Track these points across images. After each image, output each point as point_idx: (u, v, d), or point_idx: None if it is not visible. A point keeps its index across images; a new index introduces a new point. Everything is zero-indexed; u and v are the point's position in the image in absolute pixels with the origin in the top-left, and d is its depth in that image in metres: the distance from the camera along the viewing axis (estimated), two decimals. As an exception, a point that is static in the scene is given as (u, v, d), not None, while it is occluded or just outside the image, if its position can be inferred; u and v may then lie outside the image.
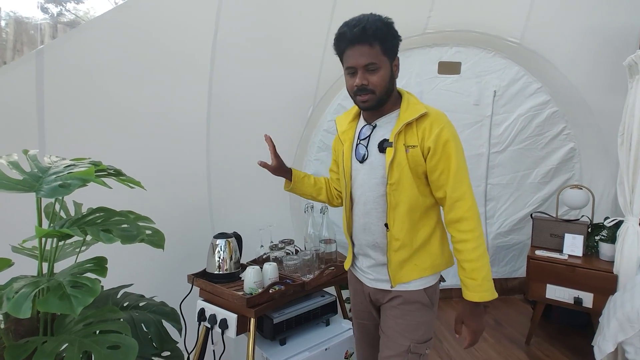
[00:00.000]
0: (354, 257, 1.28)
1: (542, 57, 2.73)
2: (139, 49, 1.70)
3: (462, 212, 1.10)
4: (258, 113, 2.22)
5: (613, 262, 2.12)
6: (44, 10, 13.91)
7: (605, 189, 2.79)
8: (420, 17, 2.59)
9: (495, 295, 1.12)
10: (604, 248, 2.17)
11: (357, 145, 1.19)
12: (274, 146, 1.39)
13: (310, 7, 2.23)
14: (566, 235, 2.28)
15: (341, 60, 1.14)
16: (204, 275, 1.62)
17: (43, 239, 0.78)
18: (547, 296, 2.23)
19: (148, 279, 1.63)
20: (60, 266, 0.94)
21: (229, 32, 1.95)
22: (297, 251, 1.79)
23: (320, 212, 1.77)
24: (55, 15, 13.71)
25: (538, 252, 2.28)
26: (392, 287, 1.17)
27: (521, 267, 3.05)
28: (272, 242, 1.83)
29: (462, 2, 2.56)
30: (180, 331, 0.94)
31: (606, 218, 2.17)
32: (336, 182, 1.40)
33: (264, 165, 1.39)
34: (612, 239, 2.13)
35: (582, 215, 2.35)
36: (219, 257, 1.61)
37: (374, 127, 1.17)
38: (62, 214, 0.93)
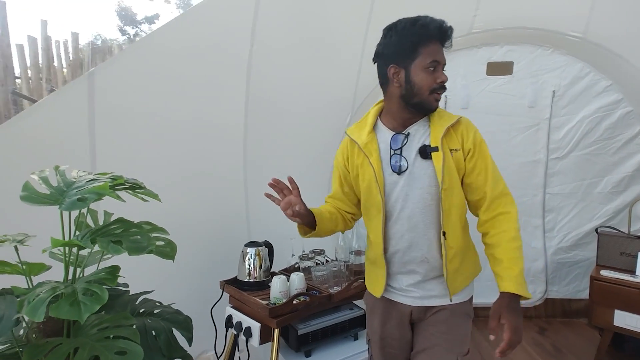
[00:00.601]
0: (388, 278, 1.18)
1: (610, 51, 2.43)
2: (179, 66, 1.81)
3: (507, 207, 1.09)
4: (295, 118, 2.26)
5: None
6: (123, 32, 15.63)
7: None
8: (466, 16, 2.45)
9: (530, 295, 1.08)
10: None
11: (391, 156, 1.11)
12: (298, 189, 1.13)
13: (347, 12, 2.22)
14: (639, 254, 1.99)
15: (403, 53, 1.06)
16: (234, 282, 1.66)
17: (67, 247, 0.86)
18: (615, 323, 1.95)
19: (183, 284, 1.72)
20: (90, 271, 1.02)
21: (266, 37, 2.01)
22: (327, 262, 1.77)
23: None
24: (132, 36, 15.32)
25: (604, 273, 2.01)
26: (450, 300, 1.12)
27: (587, 287, 2.71)
28: (303, 251, 1.84)
29: (511, -2, 2.37)
30: (190, 340, 0.97)
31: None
32: (342, 204, 1.25)
33: (286, 208, 1.09)
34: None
35: (662, 232, 2.03)
36: (249, 265, 1.64)
37: (407, 135, 1.11)
38: (92, 223, 1.01)
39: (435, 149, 1.07)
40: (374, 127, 1.16)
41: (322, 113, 2.40)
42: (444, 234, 1.08)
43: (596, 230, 2.21)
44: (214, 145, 2.03)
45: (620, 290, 1.92)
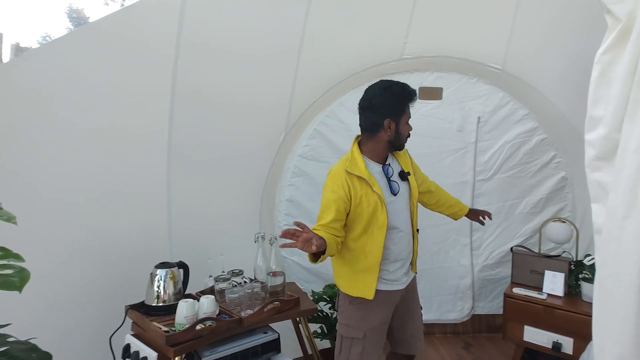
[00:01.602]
0: (384, 275, 1.50)
1: (526, 83, 2.63)
2: (92, 71, 1.71)
3: (439, 188, 1.85)
4: (225, 133, 2.21)
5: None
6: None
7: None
8: (397, 42, 2.56)
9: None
10: (586, 288, 2.00)
11: (390, 182, 1.51)
12: (306, 226, 1.27)
13: (278, 34, 2.23)
14: (546, 272, 2.12)
15: (397, 111, 1.46)
16: (141, 307, 1.57)
17: None
18: (524, 339, 2.06)
19: (82, 310, 1.60)
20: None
21: (190, 57, 1.95)
22: (245, 283, 1.72)
23: (270, 244, 1.71)
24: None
25: (516, 290, 2.13)
26: (415, 272, 1.66)
27: (498, 297, 2.87)
28: (223, 272, 1.78)
29: (438, 29, 2.51)
30: (48, 380, 0.89)
31: (587, 255, 2.00)
32: (334, 231, 1.41)
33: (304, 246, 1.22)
34: (594, 278, 1.96)
35: (564, 251, 2.19)
36: (158, 288, 1.56)
37: (389, 165, 1.54)
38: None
39: (408, 173, 1.54)
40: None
41: (255, 131, 2.38)
42: (417, 230, 1.60)
43: (511, 249, 2.34)
44: (133, 157, 1.93)
45: (528, 307, 2.03)
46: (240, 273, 1.76)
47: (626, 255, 0.55)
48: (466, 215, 1.90)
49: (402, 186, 1.52)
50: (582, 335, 1.89)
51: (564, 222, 2.21)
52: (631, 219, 0.54)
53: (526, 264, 2.23)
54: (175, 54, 1.91)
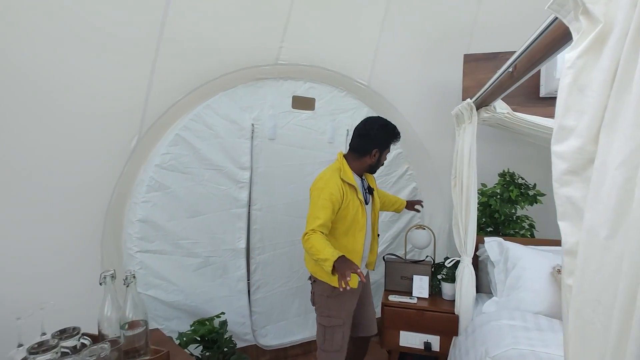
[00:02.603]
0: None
1: (387, 101, 2.85)
2: None
3: (386, 193, 2.33)
4: (60, 136, 1.60)
5: (452, 300, 2.19)
6: None
7: (442, 227, 3.02)
8: (272, 46, 2.40)
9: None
10: (446, 288, 2.23)
11: (366, 193, 1.88)
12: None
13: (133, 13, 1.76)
14: (414, 277, 2.29)
15: (385, 145, 1.85)
16: None
17: None
18: (400, 344, 2.15)
19: None
20: None
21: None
22: (83, 346, 1.21)
23: (124, 284, 1.25)
24: None
25: (392, 298, 2.21)
26: (374, 269, 2.04)
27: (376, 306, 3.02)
28: (43, 334, 1.22)
29: (313, 38, 2.48)
30: None
31: (447, 258, 2.24)
32: (326, 230, 1.67)
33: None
34: (451, 278, 2.21)
35: (427, 256, 2.41)
36: None
37: (364, 180, 1.90)
38: None
39: (373, 189, 1.94)
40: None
41: (98, 134, 1.81)
42: (378, 235, 1.99)
43: (383, 257, 2.44)
44: None
45: (403, 313, 2.13)
46: (74, 333, 1.23)
47: (609, 280, 0.52)
48: (405, 207, 2.29)
49: (369, 198, 1.90)
50: (446, 332, 2.08)
51: (424, 228, 2.44)
52: (616, 239, 0.51)
53: (397, 270, 2.35)
54: None
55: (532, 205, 2.35)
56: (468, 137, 1.96)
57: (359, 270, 1.43)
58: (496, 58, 2.31)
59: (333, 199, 1.64)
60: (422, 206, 2.35)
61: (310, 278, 1.91)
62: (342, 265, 1.43)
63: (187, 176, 2.28)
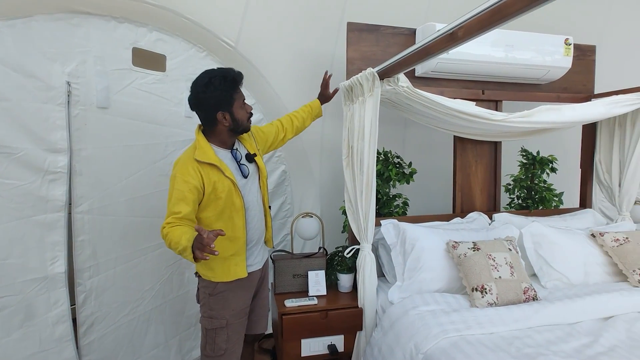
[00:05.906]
0: (248, 257, 1.59)
1: (256, 69, 2.39)
2: None
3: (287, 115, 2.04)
4: None
5: (350, 292, 2.02)
6: None
7: (316, 212, 2.84)
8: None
9: None
10: (343, 280, 2.03)
11: (240, 166, 1.58)
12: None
13: None
14: (309, 273, 2.00)
15: (225, 102, 1.50)
16: None
17: None
18: (302, 355, 1.83)
19: None
20: None
21: None
22: None
23: None
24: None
25: (290, 303, 1.85)
26: (272, 246, 1.79)
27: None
28: None
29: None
30: None
31: (345, 247, 2.03)
32: (190, 222, 1.43)
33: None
34: (348, 268, 2.02)
35: (320, 248, 2.15)
36: None
37: (237, 150, 1.61)
38: None
39: (255, 154, 1.65)
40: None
41: None
42: (269, 207, 1.75)
43: (271, 256, 2.05)
44: None
45: (304, 319, 1.82)
46: None
47: None
48: (323, 102, 2.05)
49: (251, 168, 1.62)
50: (350, 329, 1.89)
51: (312, 216, 2.17)
52: None
53: (288, 268, 2.01)
54: None
55: (408, 183, 2.40)
56: (369, 112, 1.76)
57: (208, 240, 1.21)
58: (377, 30, 2.20)
59: (189, 187, 1.42)
60: (329, 77, 2.06)
61: (195, 273, 1.64)
62: (194, 244, 1.25)
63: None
